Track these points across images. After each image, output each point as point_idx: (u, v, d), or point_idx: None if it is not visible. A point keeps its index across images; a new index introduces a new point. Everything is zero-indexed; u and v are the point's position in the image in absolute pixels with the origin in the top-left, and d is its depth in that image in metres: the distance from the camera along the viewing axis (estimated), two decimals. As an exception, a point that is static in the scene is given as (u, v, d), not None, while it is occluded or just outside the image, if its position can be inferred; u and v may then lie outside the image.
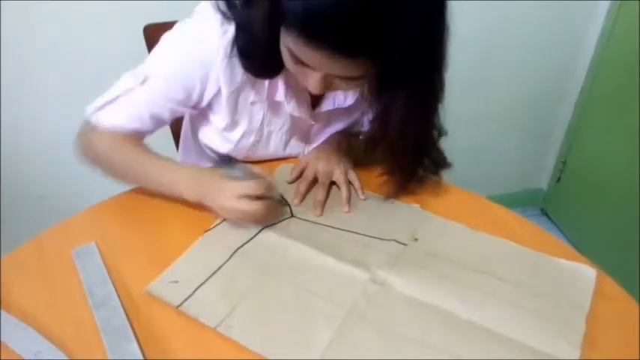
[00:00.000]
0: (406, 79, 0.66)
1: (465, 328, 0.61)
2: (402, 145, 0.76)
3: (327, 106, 0.86)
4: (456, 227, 0.78)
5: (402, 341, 0.60)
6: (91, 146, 0.79)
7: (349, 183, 0.84)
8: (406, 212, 0.81)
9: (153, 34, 1.01)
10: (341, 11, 0.57)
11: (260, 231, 0.75)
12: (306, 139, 0.93)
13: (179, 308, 0.62)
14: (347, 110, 0.89)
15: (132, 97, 0.77)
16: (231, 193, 0.70)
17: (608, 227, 1.73)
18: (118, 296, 0.64)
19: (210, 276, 0.67)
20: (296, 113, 0.84)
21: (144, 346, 0.58)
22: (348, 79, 0.67)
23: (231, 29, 0.73)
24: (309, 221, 0.78)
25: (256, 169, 0.76)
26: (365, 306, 0.64)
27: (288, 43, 0.64)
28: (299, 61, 0.65)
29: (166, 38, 0.79)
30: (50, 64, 1.28)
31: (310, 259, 0.70)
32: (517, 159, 2.00)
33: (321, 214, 0.79)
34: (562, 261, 0.71)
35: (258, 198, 0.71)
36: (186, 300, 0.63)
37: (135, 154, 0.78)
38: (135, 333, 0.59)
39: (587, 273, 0.70)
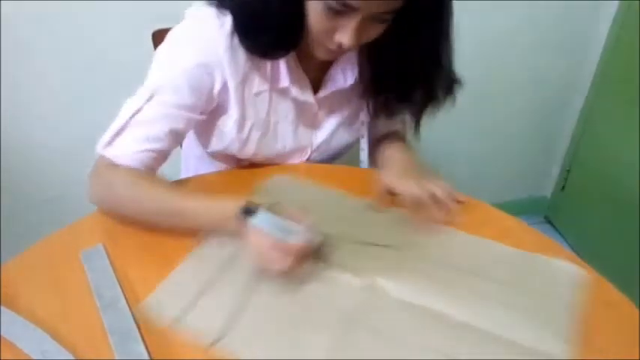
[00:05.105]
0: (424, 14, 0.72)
1: (459, 329, 0.62)
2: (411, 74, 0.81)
3: (329, 88, 0.88)
4: (444, 231, 0.79)
5: (399, 345, 0.60)
6: (111, 187, 0.75)
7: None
8: (396, 218, 0.81)
9: (161, 40, 1.02)
10: None
11: None
12: (312, 127, 0.93)
13: (172, 328, 0.61)
14: (347, 96, 0.91)
15: (142, 116, 0.75)
16: (265, 245, 0.64)
17: (611, 235, 1.73)
18: (126, 298, 0.64)
19: (202, 292, 0.65)
20: (300, 97, 0.85)
21: (150, 347, 0.58)
22: (382, 20, 0.71)
23: (227, 20, 0.74)
24: None
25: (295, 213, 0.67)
26: (361, 312, 0.64)
27: None
28: (336, 12, 0.68)
29: (162, 49, 0.79)
30: (56, 67, 1.29)
31: (303, 268, 0.69)
32: (521, 167, 2.01)
33: None
34: (548, 259, 0.73)
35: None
36: (180, 318, 0.62)
37: (163, 195, 0.74)
38: (142, 334, 0.59)
39: (572, 270, 0.71)
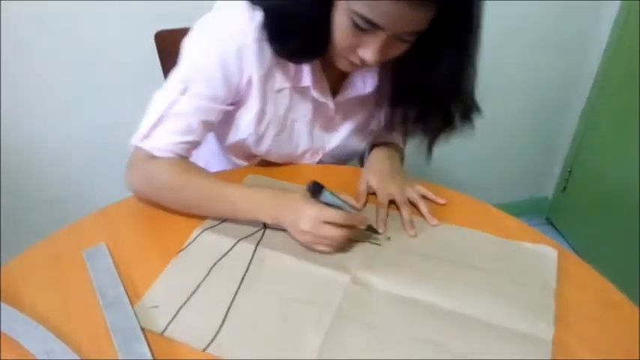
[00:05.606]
0: (453, 33, 0.72)
1: (447, 318, 0.64)
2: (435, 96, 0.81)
3: (348, 93, 0.88)
4: (423, 223, 0.81)
5: (390, 337, 0.61)
6: (151, 177, 0.78)
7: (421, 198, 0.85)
8: (375, 214, 0.82)
9: (164, 40, 1.03)
10: None
11: (235, 244, 0.74)
12: (327, 130, 0.94)
13: (164, 334, 0.60)
14: (363, 103, 0.91)
15: (178, 109, 0.77)
16: (315, 218, 0.70)
17: (613, 236, 1.73)
18: (128, 296, 0.64)
19: (191, 296, 0.65)
20: (320, 98, 0.86)
21: (153, 346, 0.58)
22: (406, 39, 0.71)
23: (258, 15, 0.75)
24: (282, 230, 0.76)
25: (345, 197, 0.76)
26: (350, 307, 0.65)
27: (356, 6, 0.66)
28: (362, 29, 0.68)
29: (192, 39, 0.79)
30: (56, 67, 1.28)
31: (289, 267, 0.70)
32: (523, 168, 2.01)
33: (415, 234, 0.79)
34: (526, 244, 0.76)
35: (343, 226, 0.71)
36: (169, 324, 0.62)
37: (201, 183, 0.77)
38: (145, 333, 0.60)
39: (549, 253, 0.74)
